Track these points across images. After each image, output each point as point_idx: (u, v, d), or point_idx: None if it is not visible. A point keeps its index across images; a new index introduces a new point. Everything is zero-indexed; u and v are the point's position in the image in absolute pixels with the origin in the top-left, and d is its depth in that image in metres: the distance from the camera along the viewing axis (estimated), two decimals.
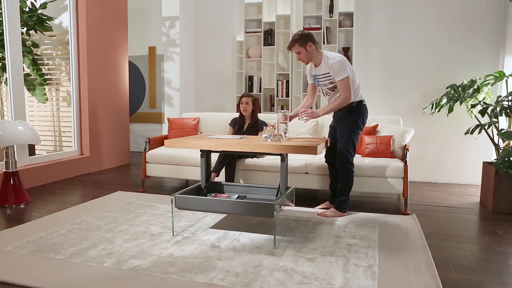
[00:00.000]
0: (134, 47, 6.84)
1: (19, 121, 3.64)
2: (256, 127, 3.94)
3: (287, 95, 5.36)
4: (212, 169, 3.65)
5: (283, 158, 2.86)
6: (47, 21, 5.20)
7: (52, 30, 5.28)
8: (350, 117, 3.14)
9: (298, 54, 3.05)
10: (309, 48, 3.03)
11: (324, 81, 3.13)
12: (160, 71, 6.80)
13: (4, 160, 3.58)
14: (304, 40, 3.01)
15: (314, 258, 2.39)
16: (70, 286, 2.01)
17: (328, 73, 3.05)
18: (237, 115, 4.16)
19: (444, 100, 4.23)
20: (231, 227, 2.95)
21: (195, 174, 3.94)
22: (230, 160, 3.70)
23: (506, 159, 3.44)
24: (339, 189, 3.23)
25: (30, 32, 5.16)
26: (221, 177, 3.80)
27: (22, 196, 3.61)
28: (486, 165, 3.77)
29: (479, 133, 3.78)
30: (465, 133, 3.88)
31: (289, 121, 3.15)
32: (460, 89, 4.16)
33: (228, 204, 2.62)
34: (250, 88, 5.64)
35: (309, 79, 3.31)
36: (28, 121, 5.15)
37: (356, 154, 3.84)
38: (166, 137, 4.55)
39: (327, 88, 3.14)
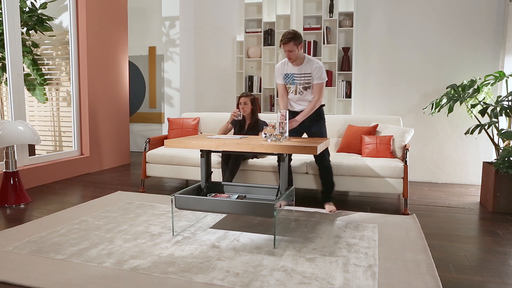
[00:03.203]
0: (134, 47, 6.83)
1: (19, 121, 3.64)
2: (256, 127, 3.93)
3: None
4: (224, 178, 3.68)
5: (283, 158, 2.86)
6: (47, 21, 5.20)
7: (52, 30, 5.28)
8: (322, 119, 3.46)
9: (290, 52, 3.16)
10: (300, 49, 3.20)
11: (301, 80, 3.31)
12: (160, 71, 6.80)
13: (4, 160, 3.58)
14: (299, 41, 3.16)
15: (314, 258, 2.39)
16: (70, 286, 2.01)
17: (310, 73, 3.26)
18: None
19: (444, 100, 4.23)
20: (231, 227, 2.95)
21: (195, 174, 3.94)
22: (236, 158, 3.69)
23: (506, 159, 3.44)
24: (330, 185, 3.48)
25: (30, 32, 5.16)
26: (219, 177, 3.80)
27: (22, 196, 3.61)
28: (486, 165, 3.77)
29: (479, 133, 3.78)
30: (465, 133, 3.88)
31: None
32: (460, 89, 4.16)
33: (228, 204, 2.62)
34: (250, 88, 5.64)
35: (280, 79, 3.44)
36: (28, 121, 5.15)
37: (356, 154, 3.87)
38: (166, 137, 4.55)
39: (301, 87, 3.33)
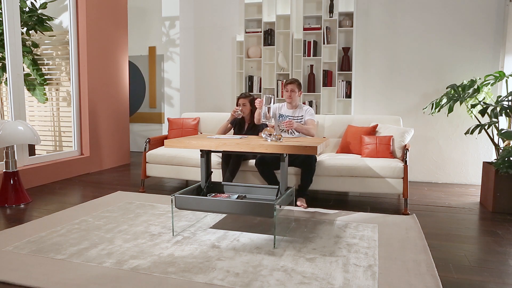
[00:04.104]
0: (134, 47, 6.83)
1: (19, 121, 3.64)
2: (256, 128, 3.93)
3: None
4: (224, 179, 3.69)
5: (283, 158, 2.86)
6: (47, 21, 5.20)
7: (52, 30, 5.28)
8: None
9: (292, 91, 3.71)
10: (299, 95, 3.80)
11: (295, 121, 3.71)
12: (160, 71, 6.80)
13: (4, 160, 3.58)
14: (299, 88, 3.77)
15: (314, 258, 2.39)
16: (70, 286, 2.01)
17: (302, 116, 3.75)
18: None
19: (444, 100, 4.23)
20: (231, 227, 2.95)
21: (195, 174, 3.94)
22: (236, 158, 3.69)
23: (506, 159, 3.44)
24: (310, 182, 3.57)
25: (30, 32, 5.16)
26: (219, 177, 3.80)
27: (22, 196, 3.61)
28: (486, 165, 3.77)
29: (479, 133, 3.78)
30: (465, 133, 3.88)
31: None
32: (460, 89, 4.16)
33: (228, 204, 2.62)
34: (250, 88, 5.64)
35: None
36: (28, 121, 5.15)
37: (356, 155, 3.87)
38: (166, 137, 4.55)
39: (294, 128, 3.62)
